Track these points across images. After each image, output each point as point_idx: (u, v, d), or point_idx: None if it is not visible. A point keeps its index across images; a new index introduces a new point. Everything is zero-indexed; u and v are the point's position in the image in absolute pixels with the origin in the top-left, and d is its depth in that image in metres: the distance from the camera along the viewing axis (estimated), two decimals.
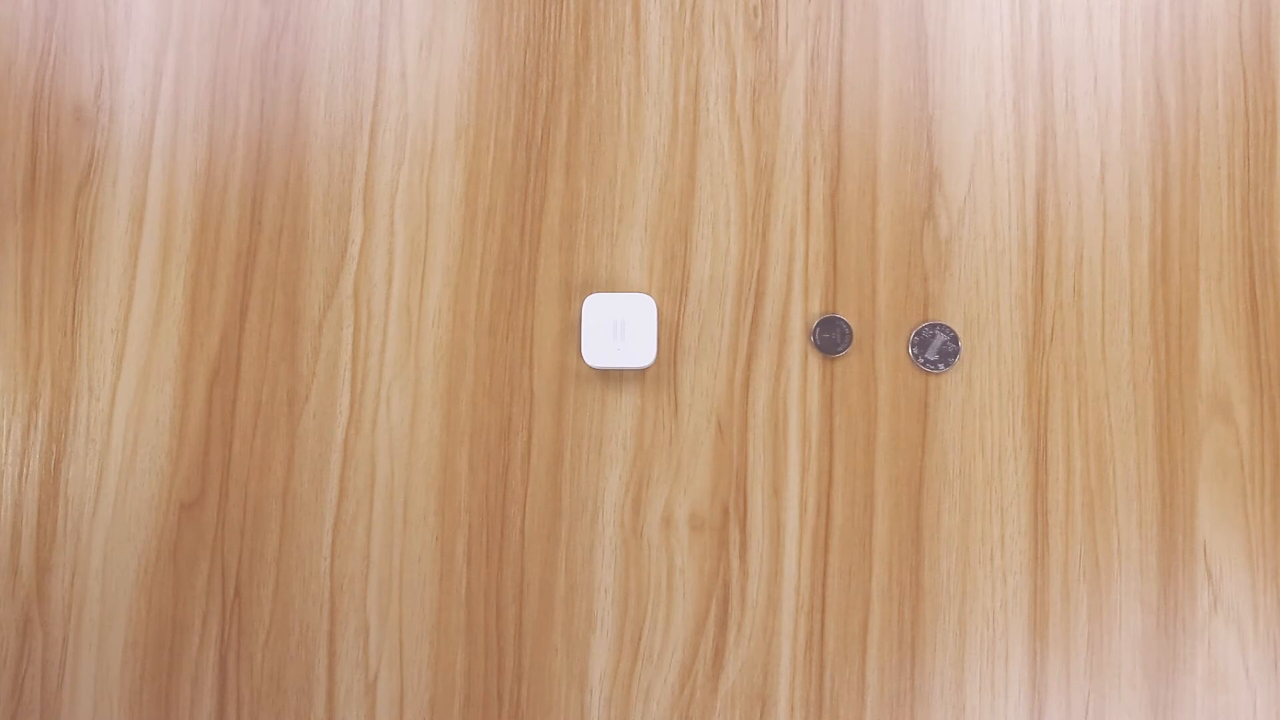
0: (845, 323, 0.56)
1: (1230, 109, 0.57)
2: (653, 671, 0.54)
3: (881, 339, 0.56)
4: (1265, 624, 0.53)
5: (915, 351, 0.54)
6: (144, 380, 0.58)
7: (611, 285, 0.56)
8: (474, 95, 0.59)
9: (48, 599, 0.56)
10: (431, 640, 0.55)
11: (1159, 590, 0.53)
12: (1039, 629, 0.53)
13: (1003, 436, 0.55)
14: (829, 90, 0.58)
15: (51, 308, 0.59)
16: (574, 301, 0.56)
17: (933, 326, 0.53)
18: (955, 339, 0.53)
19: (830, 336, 0.56)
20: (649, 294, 0.57)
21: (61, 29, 0.61)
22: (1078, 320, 0.56)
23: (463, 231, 0.58)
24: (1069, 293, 0.56)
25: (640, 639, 0.54)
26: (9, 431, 0.58)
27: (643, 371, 0.56)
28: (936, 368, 0.54)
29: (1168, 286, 0.56)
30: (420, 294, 0.58)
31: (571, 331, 0.56)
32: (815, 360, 0.56)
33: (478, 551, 0.55)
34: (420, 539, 0.56)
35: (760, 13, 0.59)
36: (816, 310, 0.56)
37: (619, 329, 0.52)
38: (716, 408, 0.56)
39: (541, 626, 0.55)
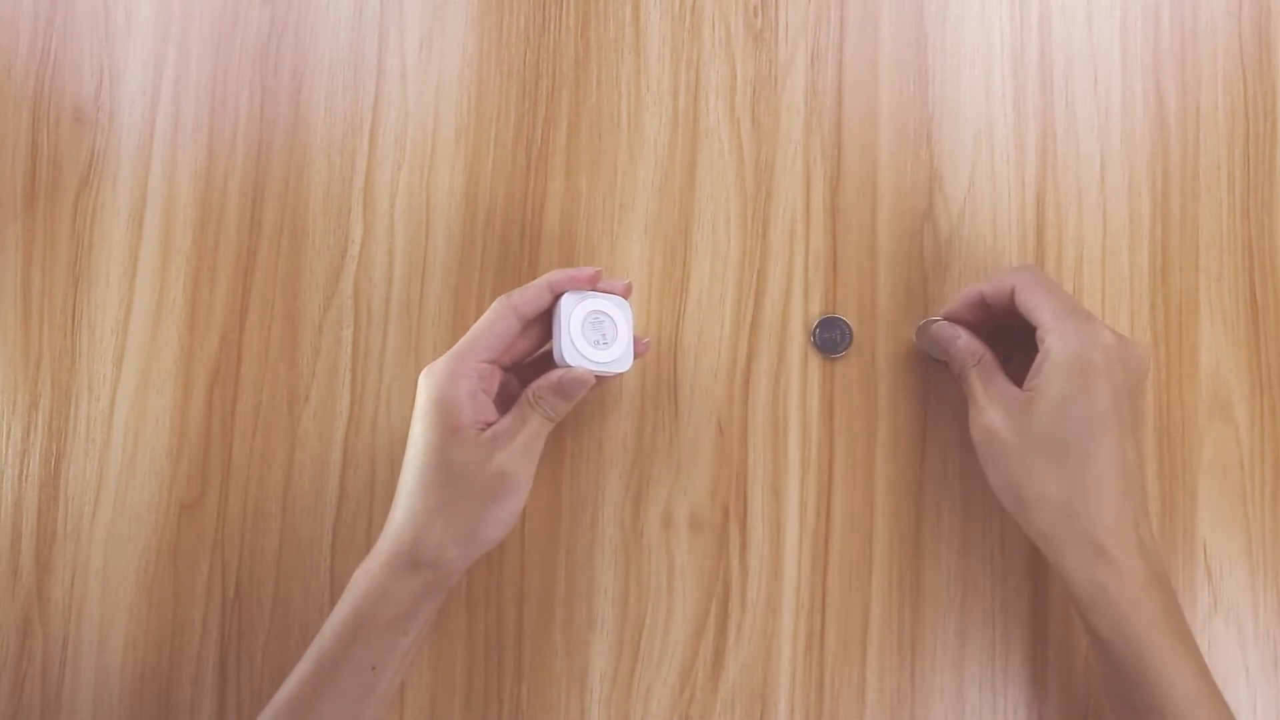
0: (845, 323, 0.56)
1: (1230, 109, 0.57)
2: (653, 672, 0.54)
3: (881, 339, 0.56)
4: (1265, 624, 0.53)
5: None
6: (144, 380, 0.58)
7: None
8: (474, 95, 0.59)
9: (48, 599, 0.56)
10: (431, 641, 0.55)
11: None
12: (1039, 629, 0.53)
13: None
14: (829, 90, 0.58)
15: (51, 308, 0.59)
16: None
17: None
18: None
19: (830, 336, 0.56)
20: (649, 294, 0.57)
21: (61, 29, 0.61)
22: None
23: (463, 231, 0.58)
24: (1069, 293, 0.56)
25: (640, 639, 0.54)
26: (9, 431, 0.58)
27: (641, 373, 0.56)
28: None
29: (1168, 286, 0.56)
30: (420, 294, 0.58)
31: None
32: (815, 360, 0.56)
33: None
34: None
35: (760, 13, 0.59)
36: (816, 310, 0.56)
37: (598, 329, 0.51)
38: (716, 408, 0.56)
39: (541, 627, 0.55)
